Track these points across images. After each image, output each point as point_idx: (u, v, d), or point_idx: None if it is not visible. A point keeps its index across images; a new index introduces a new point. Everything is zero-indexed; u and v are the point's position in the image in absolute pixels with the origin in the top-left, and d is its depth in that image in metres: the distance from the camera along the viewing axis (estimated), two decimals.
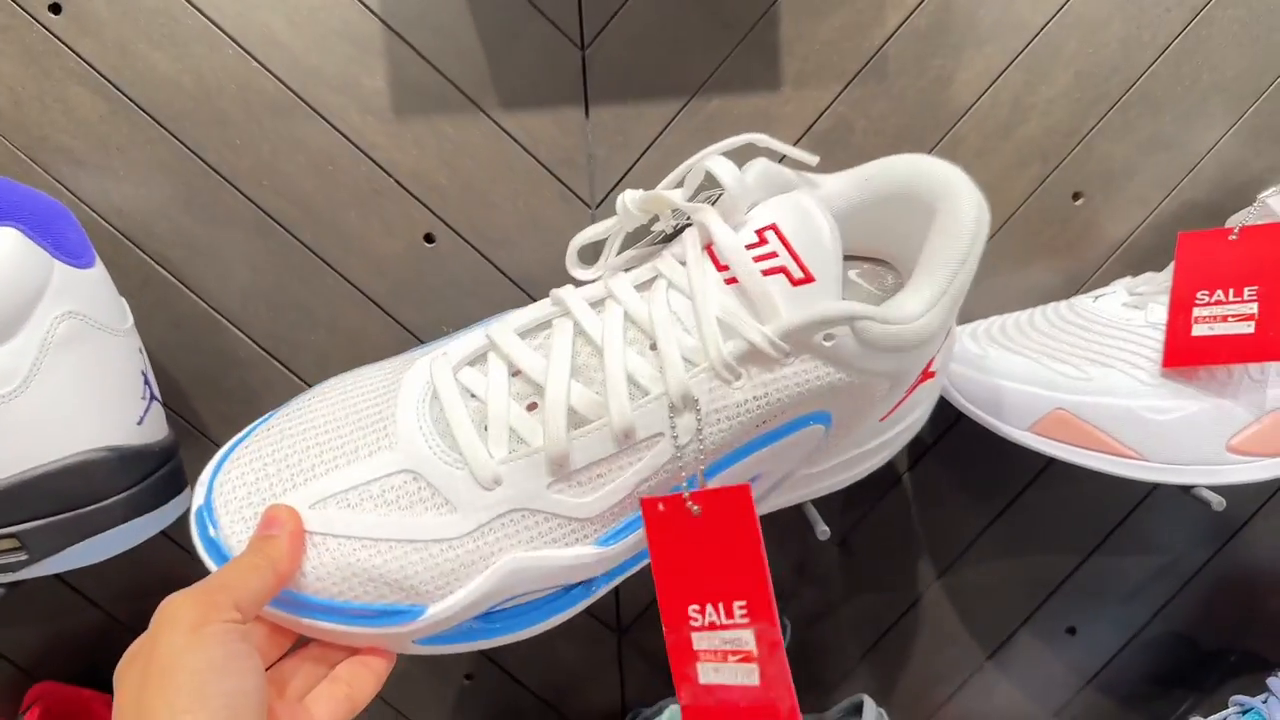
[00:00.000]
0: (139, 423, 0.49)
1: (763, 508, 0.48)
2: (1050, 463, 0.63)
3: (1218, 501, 0.50)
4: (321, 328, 0.59)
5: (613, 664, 0.65)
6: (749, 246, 0.40)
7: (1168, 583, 0.66)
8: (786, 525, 0.64)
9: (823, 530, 0.51)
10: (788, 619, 0.59)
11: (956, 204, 0.41)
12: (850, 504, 0.63)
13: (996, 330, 0.56)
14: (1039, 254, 0.61)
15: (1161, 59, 0.58)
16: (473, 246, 0.58)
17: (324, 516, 0.40)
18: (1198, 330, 0.51)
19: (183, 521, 0.54)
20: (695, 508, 0.40)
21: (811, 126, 0.58)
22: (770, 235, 0.40)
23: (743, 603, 0.40)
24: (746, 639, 0.41)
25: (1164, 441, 0.51)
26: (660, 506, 0.41)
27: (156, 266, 0.57)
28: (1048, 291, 0.61)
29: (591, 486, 0.41)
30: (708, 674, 0.41)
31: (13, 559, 0.46)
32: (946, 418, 0.61)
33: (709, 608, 0.41)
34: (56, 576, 0.60)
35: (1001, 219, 0.61)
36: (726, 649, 0.41)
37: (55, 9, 0.53)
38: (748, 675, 0.41)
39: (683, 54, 0.56)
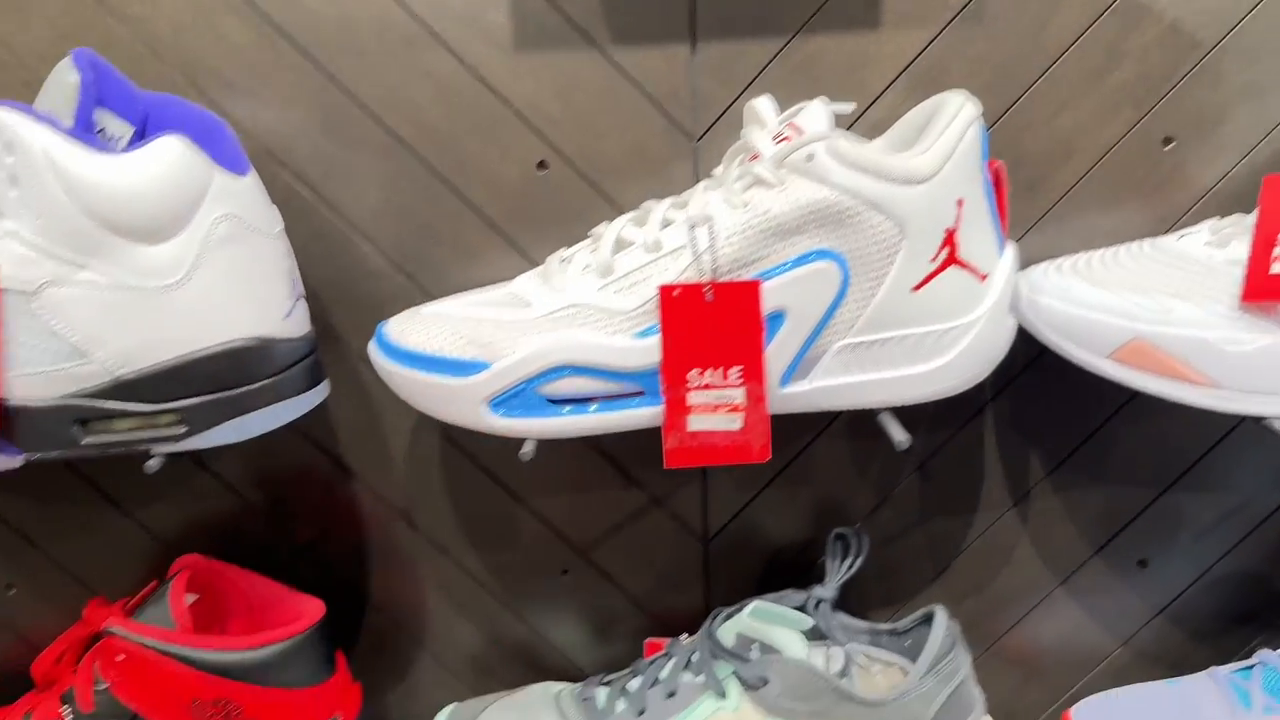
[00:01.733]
0: (287, 316, 0.54)
1: (818, 377, 0.54)
2: (1130, 399, 0.65)
3: None
4: (444, 245, 0.64)
5: (698, 570, 0.69)
6: (774, 138, 0.54)
7: (1241, 522, 0.68)
8: (870, 453, 0.67)
9: (900, 439, 0.54)
10: (865, 535, 0.62)
11: (947, 98, 0.54)
12: (932, 429, 0.66)
13: (1081, 264, 0.58)
14: (1128, 197, 0.63)
15: (1259, 7, 0.59)
16: (582, 174, 0.63)
17: (440, 306, 0.56)
18: (1277, 269, 0.52)
19: (315, 416, 0.60)
20: (710, 292, 0.51)
21: (908, 67, 0.61)
22: (789, 130, 0.53)
23: (739, 368, 0.52)
24: (737, 395, 0.53)
25: (1239, 371, 0.53)
26: (675, 292, 0.52)
27: (297, 183, 0.62)
28: (1135, 234, 0.63)
29: (629, 290, 0.53)
30: (696, 423, 0.53)
31: (174, 431, 0.52)
32: (1030, 351, 0.63)
33: (709, 371, 0.52)
34: (198, 462, 0.66)
35: (1091, 162, 0.63)
36: (717, 403, 0.53)
37: None
38: (731, 422, 0.53)
39: None
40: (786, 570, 0.69)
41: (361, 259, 0.64)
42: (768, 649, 0.59)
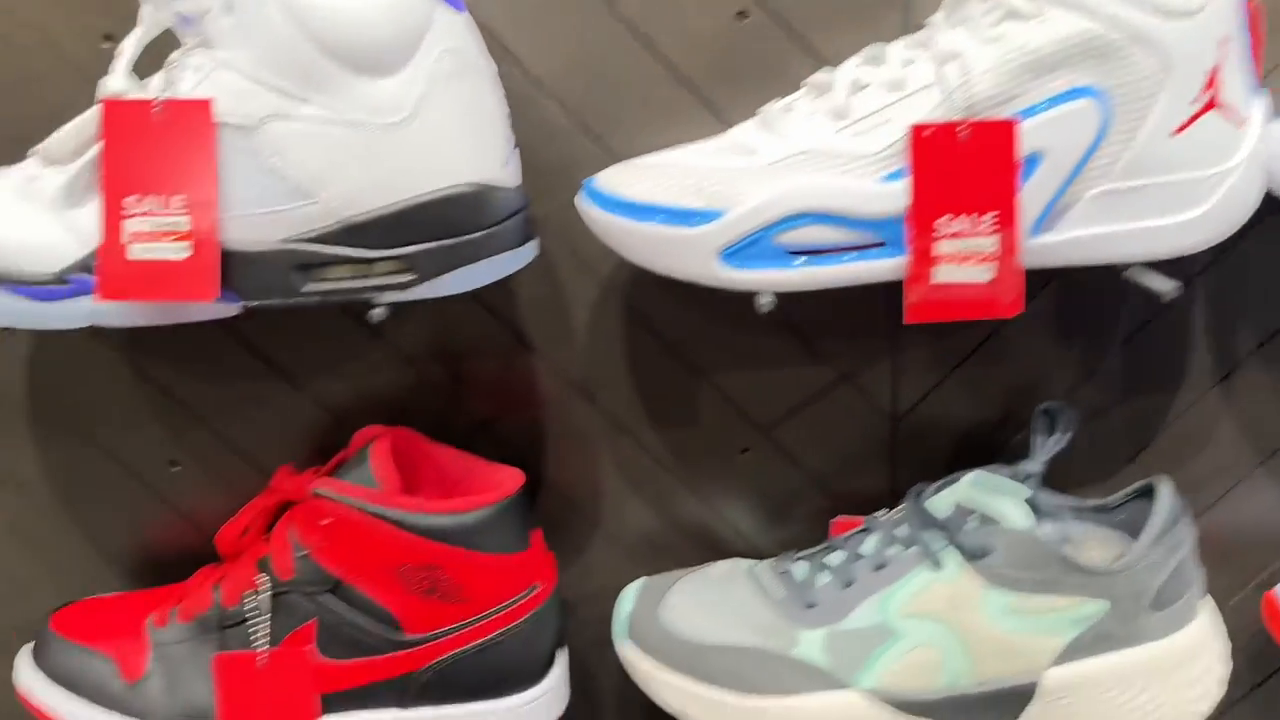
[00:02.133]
0: (505, 164, 0.52)
1: (1068, 227, 0.51)
2: None
3: None
4: (634, 104, 0.61)
5: (885, 450, 0.67)
6: None
7: None
8: (1071, 328, 0.65)
9: (1165, 287, 0.51)
10: (1074, 411, 0.60)
11: None
12: (1138, 303, 0.64)
13: None
14: None
15: None
16: (784, 24, 0.59)
17: (655, 157, 0.54)
18: None
19: (494, 287, 0.57)
20: (965, 131, 0.49)
21: None
22: None
23: (994, 213, 0.49)
24: (988, 244, 0.49)
25: None
26: (927, 132, 0.49)
27: (485, 35, 0.59)
28: None
29: (871, 132, 0.50)
30: (943, 274, 0.50)
31: (401, 280, 0.50)
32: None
33: (959, 218, 0.49)
34: (374, 334, 0.64)
35: None
36: (967, 253, 0.49)
37: None
38: (982, 274, 0.50)
39: None
40: (976, 452, 0.66)
41: (547, 118, 0.61)
42: (987, 519, 0.57)
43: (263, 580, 0.57)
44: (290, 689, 0.56)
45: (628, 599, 0.62)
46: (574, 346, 0.65)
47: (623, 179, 0.53)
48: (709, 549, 0.68)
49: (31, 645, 0.62)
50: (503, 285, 0.62)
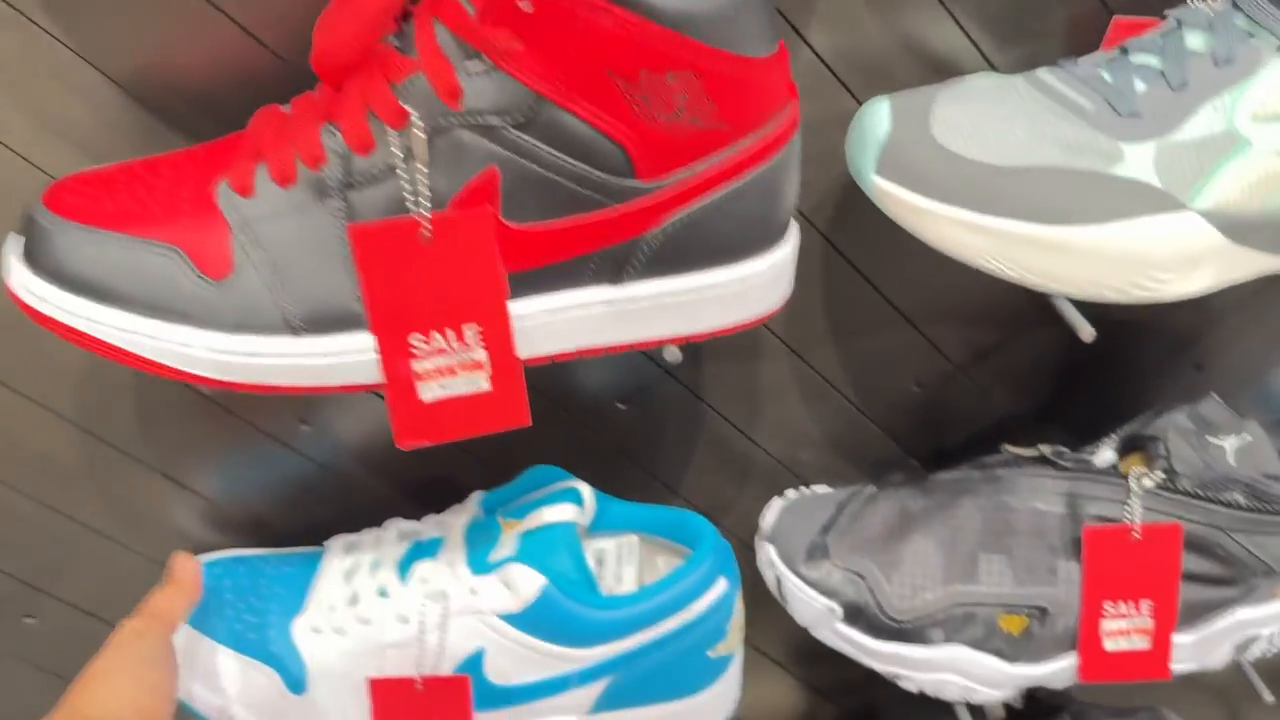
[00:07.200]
0: None
1: None
2: None
3: None
4: None
5: None
6: None
7: None
8: None
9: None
10: None
11: None
12: None
13: None
14: None
15: None
16: None
17: None
18: None
19: None
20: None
21: None
22: None
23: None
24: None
25: None
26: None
27: None
28: None
29: None
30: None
31: None
32: None
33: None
34: None
35: None
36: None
37: None
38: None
39: None
40: None
41: None
42: None
43: (415, 114, 0.39)
44: (466, 262, 0.41)
45: (879, 120, 0.48)
46: None
47: None
48: (931, 69, 0.55)
49: (20, 242, 0.42)
50: None
